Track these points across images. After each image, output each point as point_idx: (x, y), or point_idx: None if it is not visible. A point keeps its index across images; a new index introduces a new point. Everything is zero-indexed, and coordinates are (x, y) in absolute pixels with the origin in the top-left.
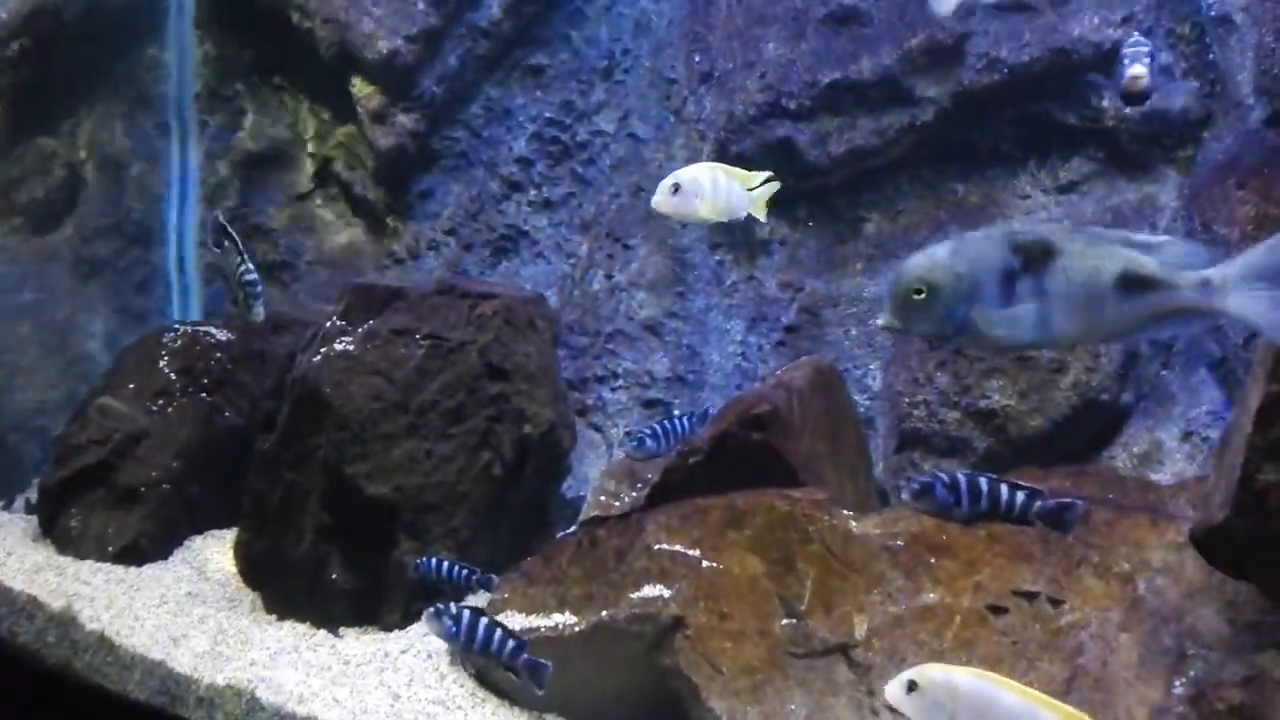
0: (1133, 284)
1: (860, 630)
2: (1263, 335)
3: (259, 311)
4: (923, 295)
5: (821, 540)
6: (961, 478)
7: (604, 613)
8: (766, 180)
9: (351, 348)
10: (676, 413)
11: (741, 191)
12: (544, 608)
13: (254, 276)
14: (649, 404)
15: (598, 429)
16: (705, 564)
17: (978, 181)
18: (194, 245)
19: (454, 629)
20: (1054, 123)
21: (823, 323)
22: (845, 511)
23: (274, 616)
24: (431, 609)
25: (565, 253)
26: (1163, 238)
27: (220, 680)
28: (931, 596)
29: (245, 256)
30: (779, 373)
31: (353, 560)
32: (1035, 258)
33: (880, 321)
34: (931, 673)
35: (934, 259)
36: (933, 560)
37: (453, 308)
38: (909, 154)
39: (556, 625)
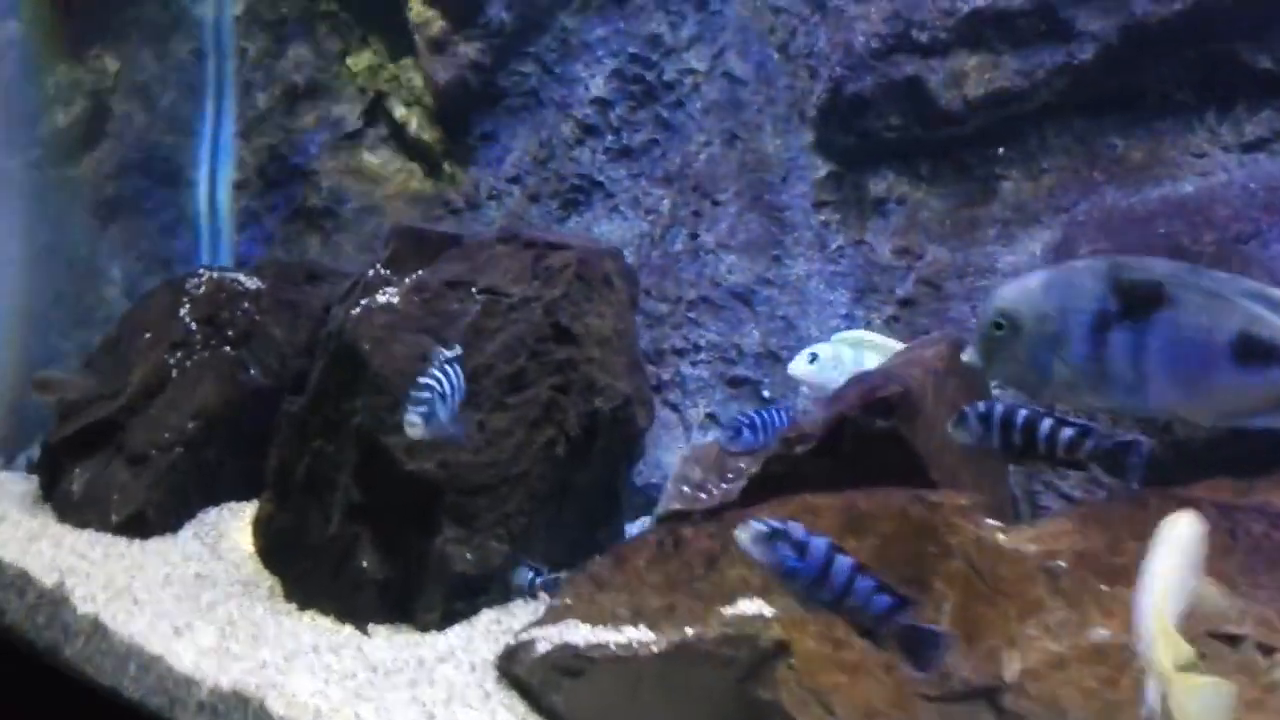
0: (1254, 352)
1: (1012, 671)
2: None
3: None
4: (1003, 332)
5: (965, 556)
6: (998, 407)
7: (688, 630)
8: None
9: (396, 300)
10: (778, 404)
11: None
12: (614, 619)
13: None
14: (735, 382)
15: (674, 408)
16: None
17: (1141, 135)
18: (227, 185)
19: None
20: (1243, 66)
21: (945, 296)
22: (992, 521)
23: (293, 606)
24: None
25: (644, 208)
26: None
27: (225, 684)
28: (1102, 633)
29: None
30: (904, 350)
31: (387, 546)
32: (1138, 303)
33: (965, 357)
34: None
35: (1022, 289)
36: (1104, 587)
37: (516, 259)
38: (1059, 100)
39: (629, 643)
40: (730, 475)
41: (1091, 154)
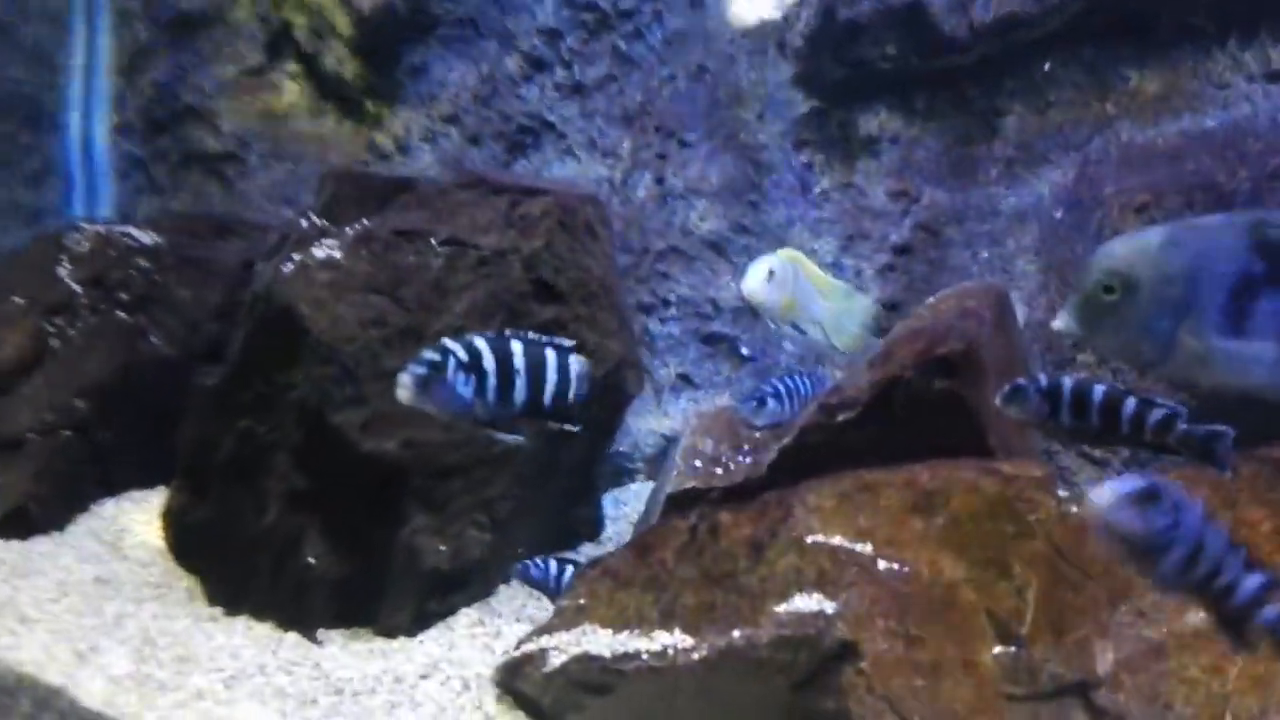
0: None
1: (1105, 663)
2: None
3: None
4: (1115, 295)
5: (1047, 536)
6: (1067, 381)
7: (735, 633)
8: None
9: (338, 254)
10: (804, 371)
11: (821, 303)
12: (642, 622)
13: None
14: (710, 339)
15: (644, 369)
16: (882, 564)
17: (1156, 65)
18: (104, 129)
19: None
20: None
21: (944, 243)
22: (1064, 493)
23: (219, 611)
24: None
25: (602, 150)
26: None
27: None
28: (1203, 615)
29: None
30: (940, 300)
31: (339, 539)
32: None
33: (1058, 324)
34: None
35: (1140, 246)
36: None
37: (485, 206)
38: (1068, 28)
39: (663, 650)
40: (746, 447)
41: (1103, 86)
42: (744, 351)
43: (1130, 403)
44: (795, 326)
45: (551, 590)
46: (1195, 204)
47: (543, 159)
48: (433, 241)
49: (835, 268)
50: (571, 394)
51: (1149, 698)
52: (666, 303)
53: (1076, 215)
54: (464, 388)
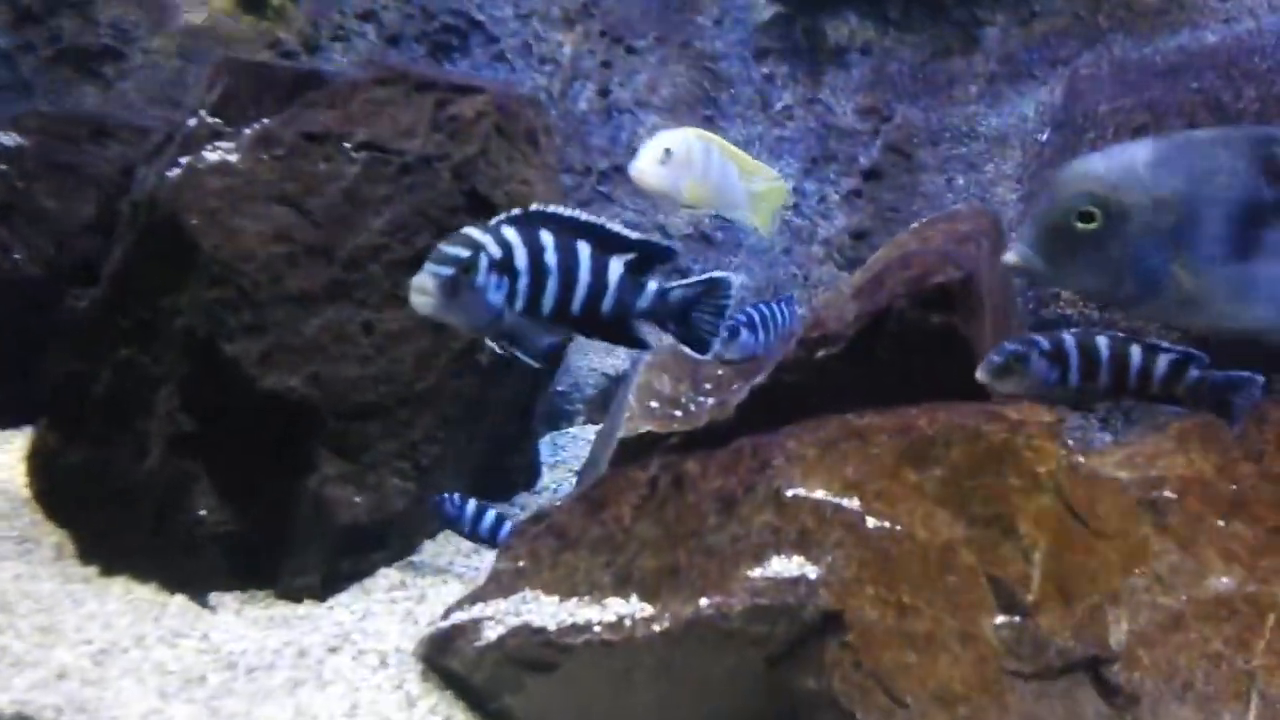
0: None
1: (1119, 634)
2: None
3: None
4: (1094, 224)
5: (1057, 489)
6: (1069, 339)
7: (702, 601)
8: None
9: (234, 159)
10: (782, 297)
11: (737, 185)
12: (593, 588)
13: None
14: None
15: None
16: (872, 522)
17: None
18: None
19: None
20: None
21: (917, 166)
22: (1072, 443)
23: (94, 570)
24: None
25: (538, 56)
26: None
27: (4, 707)
28: (1225, 581)
29: None
30: (927, 225)
31: (233, 489)
32: None
33: (1011, 256)
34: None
35: (1125, 165)
36: (1221, 522)
37: (408, 105)
38: None
39: (618, 620)
40: (709, 386)
41: None
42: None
43: (1135, 351)
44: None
45: (467, 533)
46: (1199, 124)
47: (471, 64)
48: (346, 146)
49: (796, 192)
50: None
51: (1167, 674)
52: None
53: (1065, 137)
54: (496, 293)
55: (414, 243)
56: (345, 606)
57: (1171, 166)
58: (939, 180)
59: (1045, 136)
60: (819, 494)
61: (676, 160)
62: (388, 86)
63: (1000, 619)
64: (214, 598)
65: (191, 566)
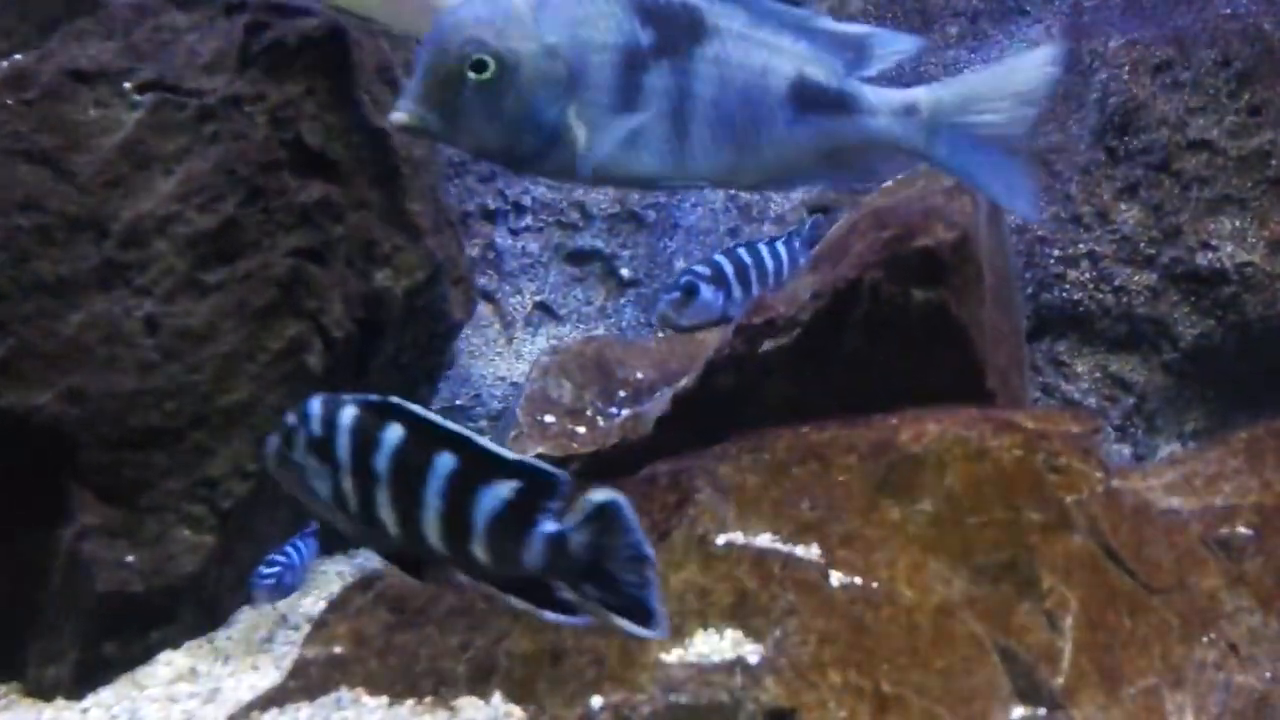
0: (811, 99)
1: None
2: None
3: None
4: (487, 74)
5: (1091, 526)
6: (722, 259)
7: (594, 701)
8: None
9: None
10: (760, 239)
11: None
12: (439, 683)
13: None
14: (577, 256)
15: (489, 297)
16: (838, 579)
17: None
18: None
19: None
20: None
21: None
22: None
23: None
24: None
25: None
26: (866, 28)
27: None
28: None
29: None
30: (904, 181)
31: None
32: (675, 35)
33: (399, 115)
34: None
35: (507, 12)
36: None
37: (210, 33)
38: None
39: None
40: (624, 393)
41: None
42: (624, 273)
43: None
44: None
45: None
46: (1235, 59)
47: None
48: (126, 86)
49: None
50: None
51: None
52: (519, 208)
53: (1067, 83)
54: (318, 480)
55: (217, 209)
56: (105, 707)
57: (555, 11)
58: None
59: None
60: (763, 540)
61: None
62: (186, 10)
63: (1019, 712)
64: None
65: None
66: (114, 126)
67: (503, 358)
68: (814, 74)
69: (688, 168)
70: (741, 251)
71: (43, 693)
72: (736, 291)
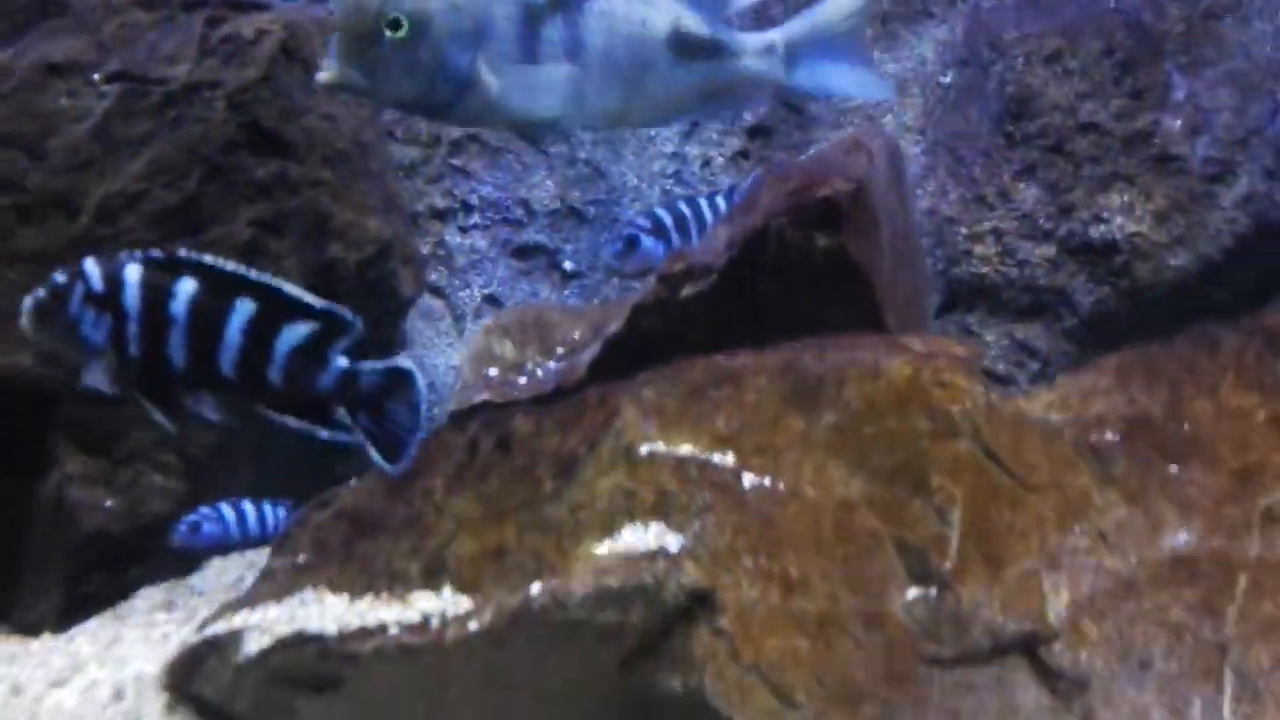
0: (687, 46)
1: (1058, 606)
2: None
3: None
4: (403, 32)
5: (975, 434)
6: (662, 212)
7: (534, 588)
8: None
9: None
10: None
11: None
12: (395, 581)
13: None
14: (523, 251)
15: (438, 292)
16: (749, 480)
17: None
18: None
19: None
20: None
21: (809, 121)
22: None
23: None
24: None
25: None
26: None
27: None
28: (1183, 538)
29: None
30: (823, 147)
31: None
32: None
33: (326, 76)
34: None
35: None
36: (1174, 469)
37: (175, 29)
38: None
39: (423, 619)
40: (561, 351)
41: None
42: (567, 266)
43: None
44: None
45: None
46: (1118, 48)
47: None
48: (95, 78)
49: (676, 158)
50: None
51: (1120, 651)
52: (467, 207)
53: (969, 76)
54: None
55: (181, 187)
56: (90, 636)
57: None
58: (835, 136)
59: (947, 79)
60: (683, 449)
61: None
62: (148, 8)
63: (912, 593)
64: None
65: None
66: (84, 114)
67: (454, 348)
68: (687, 24)
69: (584, 109)
70: (681, 204)
71: (29, 629)
72: (676, 241)
